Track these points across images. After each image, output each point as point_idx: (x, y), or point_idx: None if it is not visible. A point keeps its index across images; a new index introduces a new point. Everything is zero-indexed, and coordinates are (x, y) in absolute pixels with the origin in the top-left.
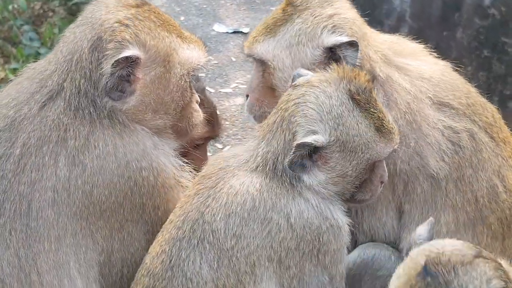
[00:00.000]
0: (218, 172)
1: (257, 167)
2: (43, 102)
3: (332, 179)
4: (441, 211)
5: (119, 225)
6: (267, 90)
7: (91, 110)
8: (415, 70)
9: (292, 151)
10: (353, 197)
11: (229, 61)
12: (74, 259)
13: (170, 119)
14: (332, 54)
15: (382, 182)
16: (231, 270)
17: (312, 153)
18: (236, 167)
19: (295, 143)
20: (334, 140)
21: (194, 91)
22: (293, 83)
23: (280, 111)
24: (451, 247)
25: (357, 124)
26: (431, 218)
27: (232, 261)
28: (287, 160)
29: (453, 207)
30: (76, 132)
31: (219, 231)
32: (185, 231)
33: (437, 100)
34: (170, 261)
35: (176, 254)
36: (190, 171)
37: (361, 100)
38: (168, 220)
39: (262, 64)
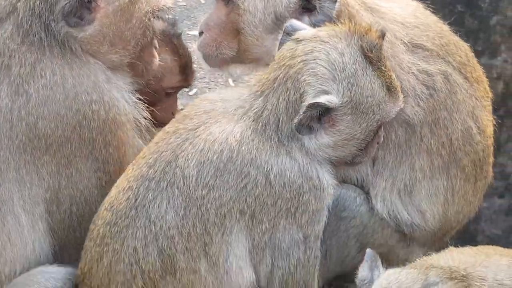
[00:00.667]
0: (202, 114)
1: (244, 118)
2: None
3: (335, 143)
4: (416, 156)
5: (66, 160)
6: (230, 31)
7: (42, 36)
8: (389, 13)
9: (303, 111)
10: (349, 160)
11: (198, 3)
12: (18, 196)
13: (127, 56)
14: (307, 3)
15: (378, 143)
16: (199, 219)
17: (321, 115)
18: (222, 113)
19: (305, 103)
20: (347, 101)
21: (156, 34)
22: (292, 37)
23: (284, 67)
24: None
25: (371, 83)
26: (368, 250)
27: (201, 210)
28: (295, 121)
29: (427, 151)
30: (22, 59)
31: (191, 178)
32: (156, 171)
33: (411, 43)
34: (136, 200)
35: (143, 194)
36: (144, 109)
37: (374, 58)
38: (141, 153)
39: (230, 2)
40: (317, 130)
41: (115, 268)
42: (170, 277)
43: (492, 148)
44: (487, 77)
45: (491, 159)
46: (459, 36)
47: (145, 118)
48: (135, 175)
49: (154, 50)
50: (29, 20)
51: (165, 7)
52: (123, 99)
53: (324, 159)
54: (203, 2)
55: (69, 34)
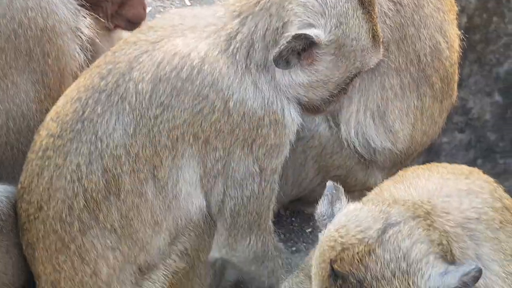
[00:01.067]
0: (168, 28)
1: (214, 37)
2: None
3: (310, 83)
4: (385, 75)
5: (1, 73)
6: None
7: None
8: None
9: (286, 41)
10: (316, 106)
11: None
12: None
13: None
14: None
15: (345, 94)
16: (149, 140)
17: (303, 50)
18: (190, 28)
19: (290, 33)
20: (332, 40)
21: None
22: None
23: None
24: (356, 229)
25: (359, 27)
26: (328, 183)
27: (153, 131)
28: (275, 50)
29: (396, 69)
30: None
31: (144, 95)
32: (108, 83)
33: None
34: (83, 112)
35: (92, 106)
36: (88, 16)
37: (365, 0)
38: (96, 62)
39: None
40: (294, 66)
41: (56, 184)
42: (114, 198)
43: (457, 65)
44: None
45: (457, 77)
46: None
47: (88, 28)
48: (86, 85)
49: None
50: None
51: None
52: (63, 6)
53: (294, 97)
54: None
55: None
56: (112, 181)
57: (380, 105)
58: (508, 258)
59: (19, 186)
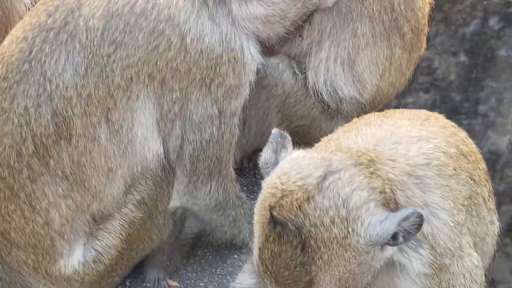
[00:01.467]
0: None
1: None
2: None
3: (266, 17)
4: (357, 21)
5: None
6: None
7: None
8: None
9: None
10: (273, 44)
11: None
12: None
13: None
14: None
15: (300, 37)
16: (102, 81)
17: None
18: None
19: None
20: None
21: None
22: None
23: None
24: (297, 175)
25: None
26: (273, 131)
27: (106, 70)
28: None
29: (370, 17)
30: None
31: (96, 32)
32: (55, 21)
33: None
34: (30, 52)
35: (39, 46)
36: None
37: None
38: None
39: None
40: None
41: (2, 129)
42: (65, 143)
43: (428, 18)
44: None
45: (427, 30)
46: None
47: None
48: (32, 23)
49: None
50: None
51: None
52: None
53: (252, 33)
54: None
55: None
56: (63, 124)
57: (351, 53)
58: (458, 207)
59: None
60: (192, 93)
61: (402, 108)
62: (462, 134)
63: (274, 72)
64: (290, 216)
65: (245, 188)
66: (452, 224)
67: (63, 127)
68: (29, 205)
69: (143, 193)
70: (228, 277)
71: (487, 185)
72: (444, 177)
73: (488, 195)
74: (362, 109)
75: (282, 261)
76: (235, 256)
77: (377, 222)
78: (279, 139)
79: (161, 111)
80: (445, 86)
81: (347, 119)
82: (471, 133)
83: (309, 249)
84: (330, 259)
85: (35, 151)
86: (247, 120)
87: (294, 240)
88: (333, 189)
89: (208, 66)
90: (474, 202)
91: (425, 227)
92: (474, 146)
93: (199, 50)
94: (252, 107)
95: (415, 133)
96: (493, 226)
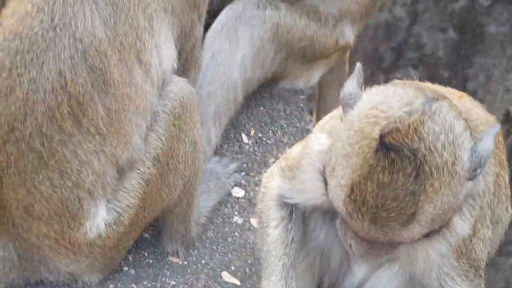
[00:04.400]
0: None
1: None
2: None
3: None
4: None
5: None
6: None
7: None
8: None
9: None
10: None
11: None
12: None
13: None
14: None
15: None
16: (129, 26)
17: None
18: None
19: None
20: None
21: None
22: None
23: None
24: (398, 103)
25: None
26: (358, 64)
27: (130, 16)
28: None
29: None
30: None
31: None
32: None
33: None
34: (52, 20)
35: (61, 11)
36: None
37: None
38: None
39: None
40: None
41: (32, 99)
42: (102, 95)
43: None
44: None
45: None
46: None
47: None
48: None
49: None
50: None
51: None
52: None
53: None
54: None
55: None
56: (100, 78)
57: None
58: (493, 179)
59: None
60: (193, 19)
61: (391, 81)
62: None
63: (256, 11)
64: (407, 140)
65: (245, 165)
66: (492, 189)
67: (101, 80)
68: (58, 171)
69: (157, 149)
70: (230, 254)
71: (507, 172)
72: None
73: (507, 183)
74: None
75: (391, 191)
76: (236, 234)
77: (476, 148)
78: (361, 74)
79: (180, 43)
80: (433, 62)
81: (354, 23)
82: None
83: (423, 176)
84: (439, 187)
85: (70, 112)
86: (243, 61)
87: (408, 167)
88: (439, 115)
89: None
90: (498, 183)
91: (480, 184)
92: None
93: None
94: (246, 46)
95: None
96: (507, 214)
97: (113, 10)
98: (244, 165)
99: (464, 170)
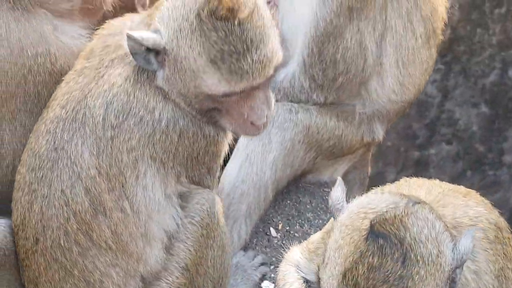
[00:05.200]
0: (104, 50)
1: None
2: None
3: (178, 94)
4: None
5: (11, 115)
6: None
7: None
8: None
9: (127, 42)
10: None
11: None
12: None
13: (76, 1)
14: None
15: (253, 124)
16: (113, 160)
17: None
18: (118, 47)
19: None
20: (169, 51)
21: None
22: None
23: None
24: (384, 203)
25: (190, 48)
26: (339, 178)
27: (113, 152)
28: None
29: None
30: None
31: (98, 118)
32: (68, 111)
33: None
34: (55, 142)
35: (60, 135)
36: None
37: (207, 24)
38: (53, 95)
39: None
40: (158, 70)
41: (47, 214)
42: (102, 216)
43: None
44: None
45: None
46: None
47: None
48: (51, 117)
49: None
50: None
51: None
52: (75, 47)
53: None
54: None
55: None
56: (95, 200)
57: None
58: (495, 273)
59: (13, 225)
60: (187, 164)
61: (425, 158)
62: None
63: (290, 115)
64: (393, 229)
65: (273, 258)
66: (496, 284)
67: (97, 202)
68: (83, 280)
69: (186, 260)
70: None
71: None
72: (489, 241)
73: None
74: (400, 107)
75: (381, 274)
76: None
77: (457, 247)
78: (344, 186)
79: (169, 186)
80: (467, 137)
81: (383, 123)
82: (497, 184)
83: (409, 262)
84: (425, 276)
85: (79, 228)
86: (275, 161)
87: (396, 252)
88: (421, 213)
89: (190, 143)
90: (504, 275)
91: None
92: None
93: (179, 133)
94: (278, 148)
95: (461, 202)
96: None
97: (97, 142)
98: (273, 258)
99: (447, 265)
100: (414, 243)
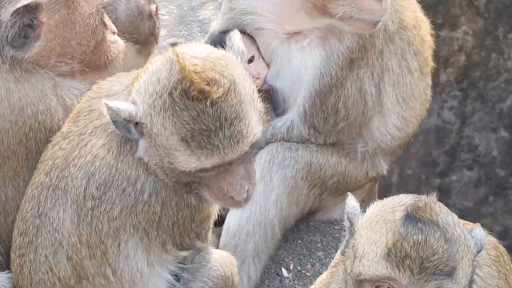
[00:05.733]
0: (89, 115)
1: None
2: None
3: (157, 167)
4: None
5: (13, 172)
6: None
7: None
8: None
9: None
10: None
11: None
12: None
13: (77, 63)
14: None
15: (232, 198)
16: (93, 229)
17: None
18: (101, 115)
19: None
20: (145, 124)
21: (108, 23)
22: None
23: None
24: (407, 198)
25: (162, 126)
26: (349, 194)
27: (94, 221)
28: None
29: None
30: None
31: (80, 189)
32: (52, 179)
33: None
34: (39, 208)
35: (43, 202)
36: None
37: (179, 103)
38: (42, 156)
39: None
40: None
41: (35, 278)
42: (86, 282)
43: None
44: (448, 50)
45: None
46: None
47: None
48: (35, 182)
49: (113, 36)
50: None
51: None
52: (74, 103)
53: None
54: None
55: (16, 55)
56: (77, 266)
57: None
58: None
59: (14, 285)
60: (173, 231)
61: (447, 184)
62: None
63: (290, 152)
64: (427, 215)
65: None
66: None
67: (79, 268)
68: None
69: None
70: None
71: None
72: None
73: None
74: (398, 144)
75: (429, 248)
76: None
77: (473, 234)
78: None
79: (151, 254)
80: (488, 162)
81: (385, 156)
82: None
83: (450, 240)
84: (462, 254)
85: None
86: (278, 199)
87: (437, 231)
88: (440, 204)
89: (174, 212)
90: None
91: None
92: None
93: (161, 203)
94: (280, 186)
95: None
96: None
97: (77, 211)
98: None
99: (473, 248)
100: (448, 226)
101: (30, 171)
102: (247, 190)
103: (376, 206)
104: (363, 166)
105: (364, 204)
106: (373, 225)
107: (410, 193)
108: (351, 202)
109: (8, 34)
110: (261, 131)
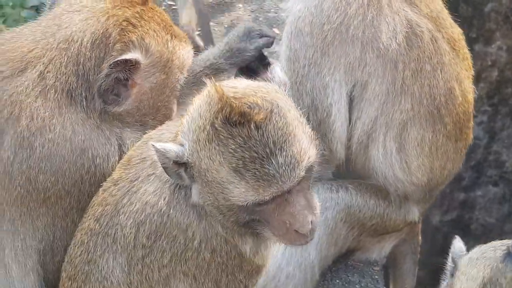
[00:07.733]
0: (141, 163)
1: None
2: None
3: (213, 208)
4: (401, 94)
5: (63, 212)
6: None
7: (83, 104)
8: None
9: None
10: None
11: None
12: (10, 247)
13: (150, 119)
14: None
15: (297, 232)
16: (144, 277)
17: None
18: (154, 163)
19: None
20: (193, 164)
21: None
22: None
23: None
24: (508, 241)
25: (209, 159)
26: (457, 237)
27: (144, 269)
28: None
29: (411, 95)
30: (34, 113)
31: (130, 237)
32: (101, 226)
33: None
34: (88, 254)
35: (93, 248)
36: None
37: (223, 132)
38: (91, 201)
39: None
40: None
41: None
42: None
43: (472, 115)
44: (481, 65)
45: (471, 124)
46: None
47: None
48: (85, 228)
49: (175, 104)
50: (60, 94)
51: (189, 64)
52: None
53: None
54: None
55: (104, 109)
56: None
57: (398, 127)
58: None
59: None
60: (220, 281)
61: (471, 199)
62: None
63: (331, 193)
64: None
65: None
66: None
67: None
68: None
69: None
70: None
71: None
72: None
73: None
74: (422, 190)
75: None
76: None
77: None
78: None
79: None
80: None
81: (417, 203)
82: None
83: None
84: None
85: None
86: (319, 241)
87: None
88: None
89: (224, 261)
90: None
91: None
92: None
93: (211, 251)
94: (320, 227)
95: None
96: None
97: (128, 259)
98: None
99: None
100: None
101: (80, 214)
102: (311, 222)
103: (480, 247)
104: (401, 211)
105: (406, 243)
106: (473, 262)
107: (434, 207)
108: (458, 244)
109: (101, 85)
110: (314, 154)
